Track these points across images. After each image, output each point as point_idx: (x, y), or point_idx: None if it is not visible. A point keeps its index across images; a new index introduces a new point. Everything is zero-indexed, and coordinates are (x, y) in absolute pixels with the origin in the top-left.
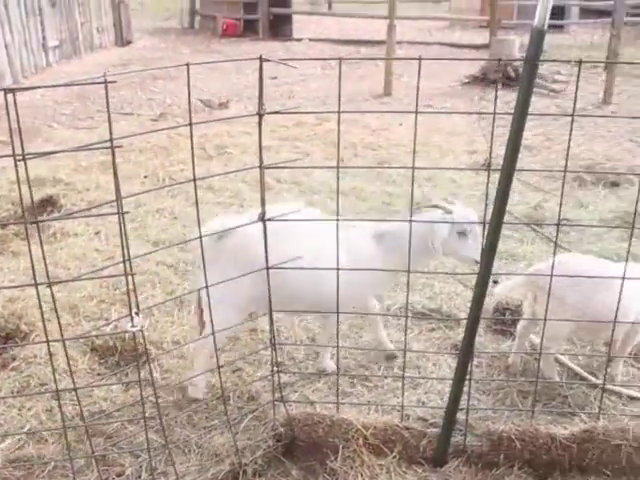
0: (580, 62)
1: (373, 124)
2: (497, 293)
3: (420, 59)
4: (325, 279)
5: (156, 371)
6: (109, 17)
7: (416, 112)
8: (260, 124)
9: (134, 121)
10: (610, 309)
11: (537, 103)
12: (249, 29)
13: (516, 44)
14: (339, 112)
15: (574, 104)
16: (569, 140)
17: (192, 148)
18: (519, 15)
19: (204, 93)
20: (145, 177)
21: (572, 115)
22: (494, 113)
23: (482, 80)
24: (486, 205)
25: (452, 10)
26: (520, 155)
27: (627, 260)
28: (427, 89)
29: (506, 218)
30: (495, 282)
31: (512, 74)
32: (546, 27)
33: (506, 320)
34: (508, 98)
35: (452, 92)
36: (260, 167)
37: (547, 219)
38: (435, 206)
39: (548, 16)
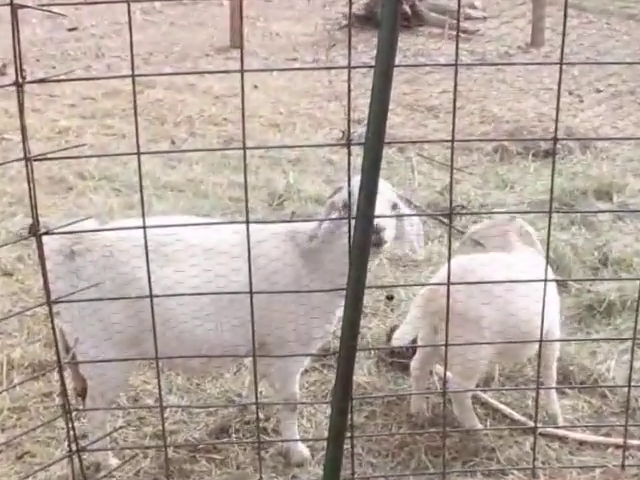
0: None
1: (216, 88)
2: (396, 343)
3: None
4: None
5: None
6: None
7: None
8: (21, 96)
9: None
10: (529, 318)
11: (444, 49)
12: None
13: None
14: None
15: (456, 50)
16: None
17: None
18: None
19: None
20: None
21: (455, 64)
22: (349, 67)
23: (369, 21)
24: (350, 194)
25: None
26: (422, 121)
27: (547, 256)
28: (293, 36)
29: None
30: (389, 298)
31: (407, 10)
32: None
33: (404, 351)
34: (401, 44)
35: (326, 39)
36: (26, 159)
37: (457, 208)
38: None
39: None
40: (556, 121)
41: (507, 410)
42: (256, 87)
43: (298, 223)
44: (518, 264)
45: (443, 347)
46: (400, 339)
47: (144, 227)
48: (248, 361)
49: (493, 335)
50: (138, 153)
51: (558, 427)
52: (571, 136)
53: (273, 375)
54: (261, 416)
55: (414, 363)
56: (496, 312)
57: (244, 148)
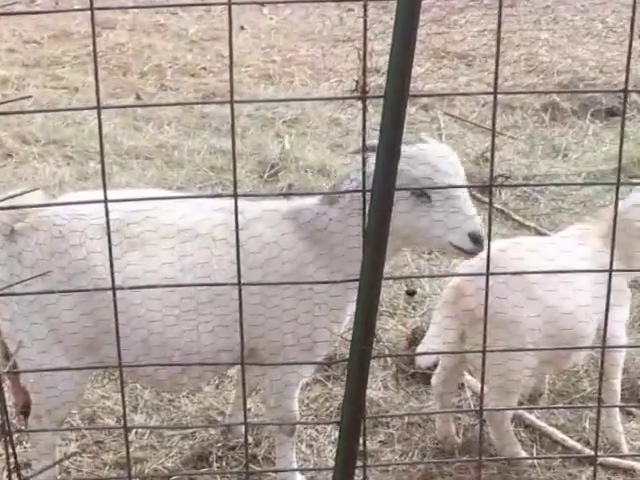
0: None
1: (192, 31)
2: (422, 357)
3: None
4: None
5: None
6: None
7: None
8: None
9: None
10: (587, 319)
11: None
12: None
13: None
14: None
15: None
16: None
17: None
18: None
19: None
20: None
21: None
22: None
23: None
24: (364, 161)
25: None
26: (452, 71)
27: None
28: None
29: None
30: (410, 293)
31: None
32: None
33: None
34: None
35: None
36: None
37: (498, 178)
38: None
39: None
40: (627, 68)
41: (558, 434)
42: (243, 29)
43: (298, 199)
44: (576, 251)
45: (472, 356)
46: (428, 346)
47: (105, 201)
48: (236, 370)
49: (539, 340)
50: (98, 108)
51: (622, 456)
52: None
53: (267, 389)
54: (250, 440)
55: (436, 378)
56: (545, 311)
57: (231, 102)
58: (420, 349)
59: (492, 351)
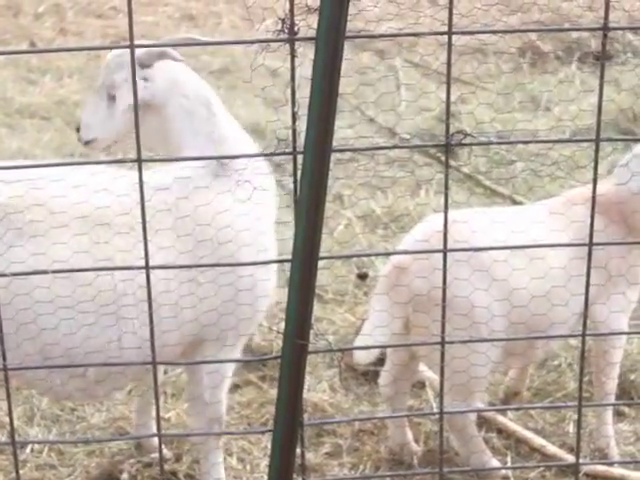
0: None
1: None
2: (361, 352)
3: None
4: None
5: None
6: None
7: None
8: None
9: None
10: (554, 300)
11: None
12: None
13: None
14: None
15: None
16: None
17: None
18: None
19: None
20: None
21: None
22: None
23: None
24: (294, 116)
25: None
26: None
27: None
28: None
29: (383, 141)
30: (362, 276)
31: None
32: None
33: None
34: None
35: None
36: None
37: (455, 136)
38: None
39: None
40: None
41: (537, 440)
42: None
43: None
44: (549, 221)
45: (420, 350)
46: (367, 338)
47: None
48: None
49: (504, 327)
50: None
51: (609, 464)
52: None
53: (201, 384)
54: (169, 455)
55: (383, 378)
56: (511, 294)
57: (131, 46)
58: (358, 342)
59: (452, 342)
